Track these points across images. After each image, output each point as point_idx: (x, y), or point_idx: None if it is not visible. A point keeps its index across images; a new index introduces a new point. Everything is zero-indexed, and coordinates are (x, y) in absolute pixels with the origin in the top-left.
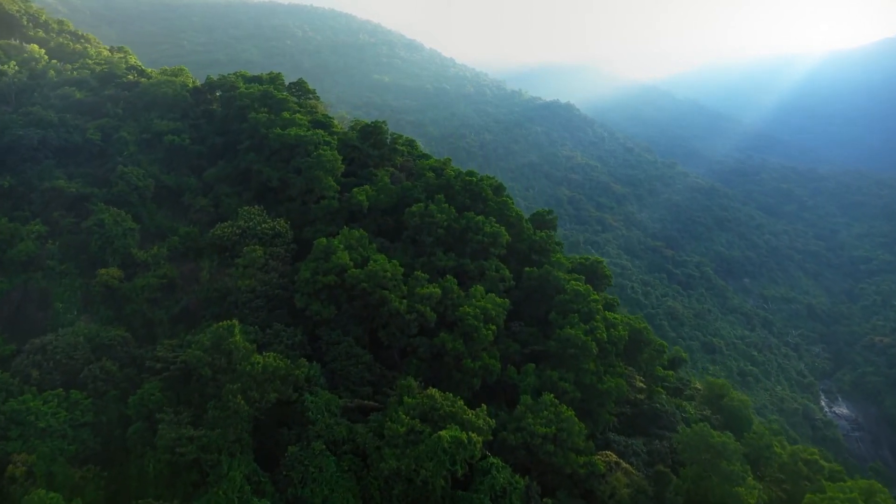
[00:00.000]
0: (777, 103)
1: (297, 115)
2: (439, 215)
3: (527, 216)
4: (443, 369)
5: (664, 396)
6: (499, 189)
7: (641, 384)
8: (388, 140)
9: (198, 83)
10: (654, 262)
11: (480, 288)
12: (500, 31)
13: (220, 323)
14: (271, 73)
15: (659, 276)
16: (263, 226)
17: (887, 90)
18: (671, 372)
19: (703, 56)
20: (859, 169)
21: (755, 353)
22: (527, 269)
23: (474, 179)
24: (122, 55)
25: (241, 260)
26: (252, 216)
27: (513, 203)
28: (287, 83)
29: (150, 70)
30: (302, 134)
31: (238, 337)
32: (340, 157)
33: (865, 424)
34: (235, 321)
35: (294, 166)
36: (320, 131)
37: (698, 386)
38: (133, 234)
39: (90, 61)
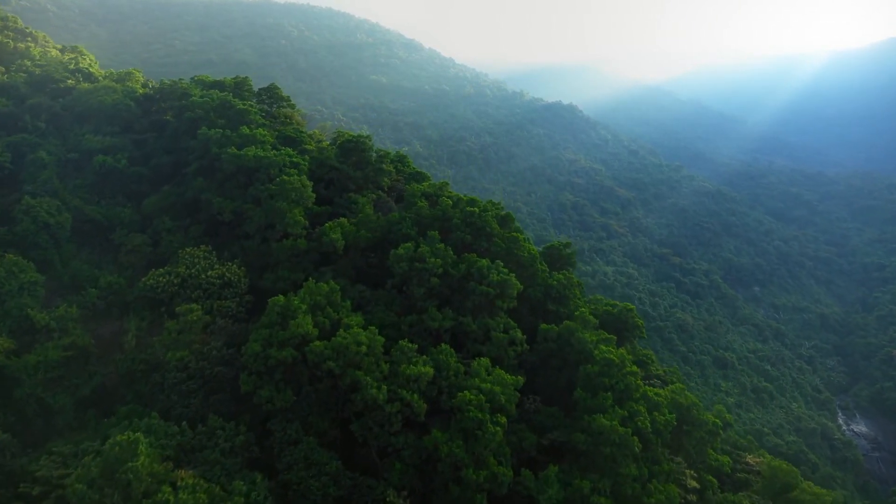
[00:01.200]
0: (781, 104)
1: (260, 129)
2: (432, 260)
3: (531, 241)
4: (436, 478)
5: (720, 493)
6: (506, 220)
7: (694, 482)
8: (372, 158)
9: (156, 86)
10: (662, 271)
11: (485, 361)
12: (499, 32)
13: (119, 437)
14: (237, 77)
15: (667, 285)
16: (210, 272)
17: (892, 90)
18: (726, 458)
19: (703, 57)
20: (869, 171)
21: (769, 368)
22: (543, 325)
23: (476, 210)
24: (73, 55)
25: (172, 324)
26: (196, 260)
27: (524, 238)
28: (257, 88)
29: (101, 73)
30: (262, 155)
31: (143, 459)
32: (311, 184)
33: (885, 443)
34: (140, 435)
35: (252, 195)
36: (288, 150)
37: (751, 461)
38: (35, 289)
39: (28, 63)
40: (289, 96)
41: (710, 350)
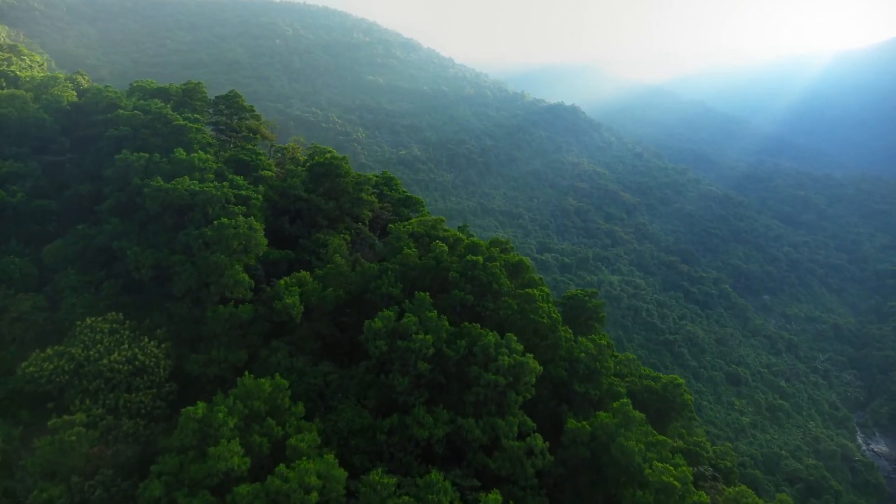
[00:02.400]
0: (784, 105)
1: (200, 153)
2: (421, 336)
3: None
4: None
5: None
6: (518, 269)
7: None
8: (348, 185)
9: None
10: (669, 279)
11: (495, 496)
12: (499, 31)
13: None
14: (187, 83)
15: (675, 294)
16: (116, 355)
17: None
18: None
19: (705, 57)
20: (878, 175)
21: (783, 384)
22: (570, 422)
23: (479, 260)
24: (6, 55)
25: (44, 442)
26: (100, 335)
27: (542, 294)
28: (214, 97)
29: (29, 77)
30: (198, 188)
31: None
32: (262, 226)
33: None
34: None
35: (183, 242)
36: (237, 179)
37: None
38: None
39: None
40: (252, 106)
41: (723, 365)
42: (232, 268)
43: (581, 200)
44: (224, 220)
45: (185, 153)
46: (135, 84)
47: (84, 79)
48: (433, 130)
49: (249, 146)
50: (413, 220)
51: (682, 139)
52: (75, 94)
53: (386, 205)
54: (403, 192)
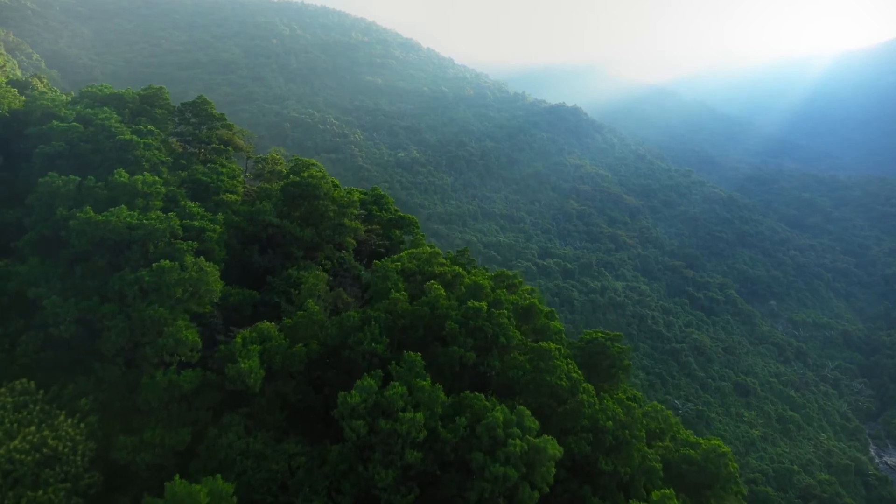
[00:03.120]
0: (787, 106)
1: (146, 175)
2: (409, 415)
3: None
4: None
5: None
6: (529, 314)
7: None
8: (329, 209)
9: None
10: (674, 285)
11: None
12: (500, 31)
13: None
14: (147, 88)
15: (680, 300)
16: (19, 441)
17: None
18: None
19: (706, 58)
20: (883, 176)
21: (793, 394)
22: None
23: (483, 307)
24: None
25: None
26: (3, 412)
27: (559, 348)
28: (180, 103)
29: None
30: (136, 221)
31: None
32: (218, 268)
33: None
34: None
35: (116, 289)
36: (190, 206)
37: None
38: None
39: None
40: (223, 113)
41: (731, 375)
42: (174, 323)
43: (583, 204)
44: (166, 262)
45: (127, 175)
46: (84, 89)
47: (41, 82)
48: (433, 132)
49: (219, 161)
50: (404, 254)
51: (684, 140)
52: (24, 99)
53: (375, 227)
54: (395, 211)
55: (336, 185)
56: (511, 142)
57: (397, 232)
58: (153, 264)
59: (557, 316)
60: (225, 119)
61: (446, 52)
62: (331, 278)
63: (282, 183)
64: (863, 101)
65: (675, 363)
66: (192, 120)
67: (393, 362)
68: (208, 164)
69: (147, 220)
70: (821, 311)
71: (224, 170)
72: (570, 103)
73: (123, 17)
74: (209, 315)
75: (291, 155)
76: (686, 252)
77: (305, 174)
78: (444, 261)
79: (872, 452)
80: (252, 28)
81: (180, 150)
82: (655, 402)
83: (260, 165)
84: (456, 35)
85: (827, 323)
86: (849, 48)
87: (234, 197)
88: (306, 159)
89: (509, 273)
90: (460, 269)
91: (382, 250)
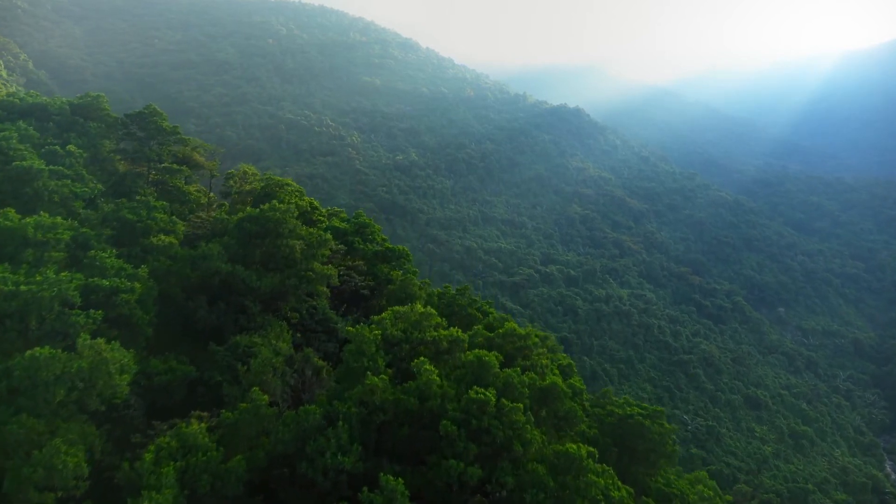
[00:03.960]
0: (790, 107)
1: (43, 215)
2: None
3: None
4: None
5: None
6: (550, 396)
7: None
8: (296, 251)
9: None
10: (680, 292)
11: None
12: (500, 31)
13: None
14: (84, 96)
15: (686, 308)
16: None
17: None
18: None
19: (708, 58)
20: (889, 177)
21: (804, 406)
22: None
23: (490, 399)
24: None
25: None
26: None
27: (590, 451)
28: (124, 114)
29: None
30: (10, 288)
31: None
32: (130, 354)
33: None
34: None
35: None
36: (102, 257)
37: None
38: None
39: None
40: (177, 126)
41: (741, 387)
42: (50, 441)
43: (586, 208)
44: (41, 350)
45: (16, 217)
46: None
47: None
48: (432, 134)
49: (173, 182)
50: (386, 315)
51: (688, 142)
52: None
53: (357, 262)
54: (383, 241)
55: (315, 208)
56: (512, 144)
57: (384, 267)
58: (27, 352)
59: (576, 369)
60: (179, 133)
61: (446, 52)
62: (298, 335)
63: (238, 216)
64: (866, 101)
65: (683, 375)
66: (139, 134)
67: (365, 489)
68: (162, 187)
69: (29, 283)
70: (830, 318)
71: (159, 204)
72: (570, 104)
73: (117, 16)
74: (123, 405)
75: (264, 174)
76: (692, 257)
77: (267, 206)
78: (439, 319)
79: (888, 469)
80: (248, 27)
81: (124, 169)
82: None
83: (230, 183)
84: (455, 35)
85: (837, 331)
86: (851, 48)
87: (167, 239)
88: (279, 178)
89: (520, 331)
90: (458, 333)
91: (366, 291)
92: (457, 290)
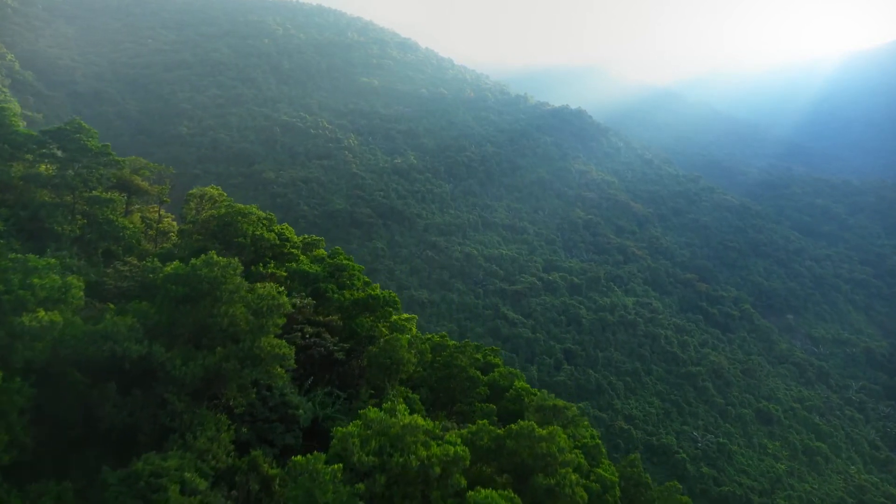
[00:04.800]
0: (793, 108)
1: None
2: None
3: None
4: None
5: None
6: None
7: None
8: (239, 321)
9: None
10: (687, 299)
11: None
12: (500, 31)
13: None
14: None
15: (693, 316)
16: None
17: None
18: None
19: (710, 59)
20: (895, 180)
21: (817, 420)
22: None
23: None
24: None
25: None
26: None
27: None
28: (40, 130)
29: None
30: None
31: None
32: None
33: None
34: None
35: None
36: None
37: None
38: None
39: None
40: (108, 145)
41: (751, 401)
42: None
43: (590, 212)
44: None
45: None
46: None
47: None
48: (431, 136)
49: (104, 214)
50: (352, 428)
51: (691, 143)
52: None
53: (331, 318)
54: (365, 285)
55: (286, 239)
56: (513, 147)
57: (366, 320)
58: None
59: (604, 450)
60: (110, 153)
61: (445, 53)
62: (245, 430)
63: (163, 273)
64: (870, 102)
65: (692, 388)
66: (60, 155)
67: None
68: (90, 219)
69: None
70: (840, 325)
71: (45, 262)
72: (571, 105)
73: (110, 15)
74: None
75: (223, 201)
76: (698, 263)
77: (201, 260)
78: (430, 425)
79: None
80: (244, 27)
81: (47, 199)
82: None
83: (185, 209)
84: (455, 34)
85: (848, 339)
86: (855, 48)
87: (48, 319)
88: (241, 206)
89: (541, 433)
90: (456, 448)
91: (341, 354)
92: (455, 346)
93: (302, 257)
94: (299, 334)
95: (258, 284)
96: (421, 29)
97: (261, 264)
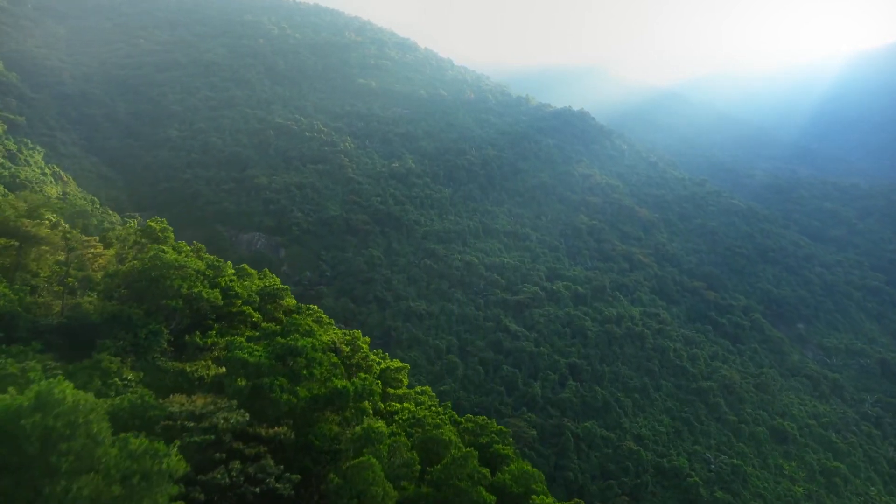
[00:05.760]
0: (797, 109)
1: None
2: None
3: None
4: None
5: None
6: None
7: None
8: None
9: None
10: (695, 309)
11: None
12: (500, 31)
13: None
14: None
15: (702, 327)
16: None
17: None
18: None
19: (709, 59)
20: None
21: (834, 438)
22: None
23: None
24: None
25: None
26: None
27: None
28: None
29: None
30: None
31: None
32: None
33: None
34: None
35: None
36: None
37: None
38: None
39: None
40: None
41: (765, 418)
42: None
43: (594, 217)
44: None
45: None
46: None
47: None
48: (430, 139)
49: None
50: None
51: (694, 145)
52: None
53: (278, 431)
54: (330, 370)
55: (234, 296)
56: (514, 150)
57: (329, 425)
58: None
59: None
60: None
61: (445, 53)
62: None
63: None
64: (876, 103)
65: (703, 405)
66: None
67: None
68: None
69: None
70: (853, 335)
71: None
72: (573, 107)
73: (102, 15)
74: None
75: (147, 248)
76: (705, 270)
77: (29, 397)
78: None
79: None
80: (239, 27)
81: None
82: None
83: (113, 249)
84: (454, 34)
85: (861, 349)
86: (859, 49)
87: None
88: (169, 258)
89: None
90: None
91: (286, 489)
92: (454, 458)
93: (255, 315)
94: (223, 472)
95: (131, 439)
96: (420, 29)
97: (197, 333)
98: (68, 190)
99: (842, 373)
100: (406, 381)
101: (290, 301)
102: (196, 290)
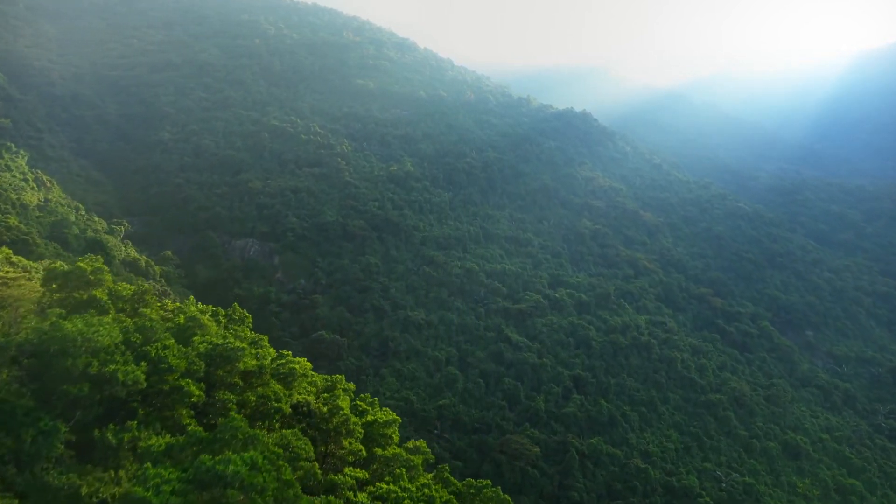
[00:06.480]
0: (800, 109)
1: None
2: None
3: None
4: None
5: None
6: None
7: None
8: None
9: None
10: (702, 316)
11: None
12: (500, 31)
13: None
14: None
15: (710, 335)
16: None
17: None
18: None
19: (711, 59)
20: None
21: (848, 453)
22: None
23: None
24: None
25: None
26: None
27: None
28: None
29: None
30: None
31: None
32: None
33: None
34: None
35: None
36: None
37: None
38: None
39: None
40: None
41: (777, 432)
42: None
43: (597, 222)
44: None
45: None
46: None
47: None
48: (429, 141)
49: None
50: None
51: (697, 146)
52: None
53: None
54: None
55: (164, 370)
56: (516, 152)
57: None
58: None
59: None
60: None
61: (444, 53)
62: None
63: None
64: (880, 103)
65: (713, 419)
66: None
67: None
68: None
69: None
70: (863, 342)
71: None
72: (574, 108)
73: (96, 14)
74: None
75: (46, 319)
76: (711, 276)
77: None
78: None
79: None
80: (235, 27)
81: None
82: None
83: (7, 311)
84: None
85: (872, 357)
86: (862, 49)
87: None
88: (78, 326)
89: None
90: None
91: None
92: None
93: (196, 392)
94: None
95: None
96: (419, 29)
97: (111, 426)
98: (51, 196)
99: (853, 382)
100: (397, 438)
101: (250, 362)
102: (109, 368)
